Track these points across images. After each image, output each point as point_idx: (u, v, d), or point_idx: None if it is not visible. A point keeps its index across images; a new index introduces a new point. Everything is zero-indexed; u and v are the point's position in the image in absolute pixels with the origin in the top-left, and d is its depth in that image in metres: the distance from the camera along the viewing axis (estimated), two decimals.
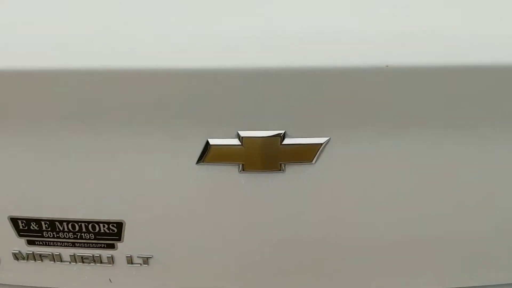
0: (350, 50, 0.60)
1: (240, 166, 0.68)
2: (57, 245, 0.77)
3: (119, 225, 0.74)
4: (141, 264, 0.77)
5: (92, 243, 0.76)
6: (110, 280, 0.80)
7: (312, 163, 0.68)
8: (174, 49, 0.61)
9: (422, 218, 0.72)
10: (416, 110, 0.65)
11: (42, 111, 0.65)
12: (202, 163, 0.68)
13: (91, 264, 0.78)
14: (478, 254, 0.76)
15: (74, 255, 0.77)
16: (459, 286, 0.80)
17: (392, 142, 0.67)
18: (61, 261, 0.78)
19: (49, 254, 0.77)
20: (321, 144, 0.67)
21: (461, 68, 0.60)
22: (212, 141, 0.67)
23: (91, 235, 0.75)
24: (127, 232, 0.74)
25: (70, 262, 0.78)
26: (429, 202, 0.71)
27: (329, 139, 0.67)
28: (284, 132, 0.66)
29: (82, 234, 0.75)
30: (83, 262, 0.78)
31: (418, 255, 0.76)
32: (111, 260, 0.77)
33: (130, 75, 0.61)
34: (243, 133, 0.66)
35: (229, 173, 0.69)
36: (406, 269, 0.78)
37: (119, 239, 0.75)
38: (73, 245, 0.76)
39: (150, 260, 0.77)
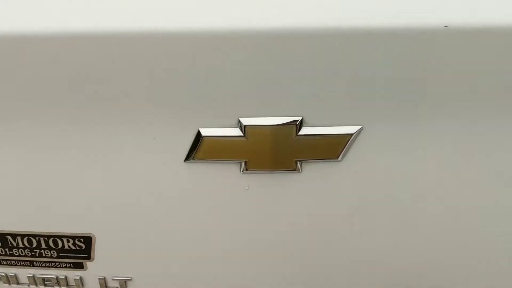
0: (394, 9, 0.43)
1: (243, 164, 0.52)
2: (11, 265, 0.60)
3: (87, 240, 0.57)
4: None
5: (55, 262, 0.60)
6: None
7: (338, 160, 0.51)
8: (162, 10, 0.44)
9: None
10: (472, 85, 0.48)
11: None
12: (192, 160, 0.51)
13: (56, 285, 0.62)
14: None
15: (33, 277, 0.61)
16: None
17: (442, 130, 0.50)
18: (18, 283, 0.62)
19: (1, 275, 0.61)
20: (351, 134, 0.50)
21: None
22: (204, 132, 0.50)
23: (53, 252, 0.59)
24: (98, 249, 0.58)
25: (29, 285, 0.62)
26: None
27: (361, 128, 0.50)
28: (301, 119, 0.49)
29: (42, 251, 0.59)
30: (45, 285, 0.62)
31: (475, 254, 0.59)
32: (80, 283, 0.61)
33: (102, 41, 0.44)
34: (245, 121, 0.49)
35: (227, 174, 0.53)
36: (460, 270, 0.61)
37: (88, 257, 0.59)
38: (31, 264, 0.60)
39: (128, 284, 0.61)
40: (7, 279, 0.61)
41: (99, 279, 0.60)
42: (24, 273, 0.61)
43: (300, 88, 0.47)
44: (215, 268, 0.59)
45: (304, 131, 0.50)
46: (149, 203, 0.55)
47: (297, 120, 0.49)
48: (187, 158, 0.51)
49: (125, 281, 0.60)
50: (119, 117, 0.49)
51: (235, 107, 0.49)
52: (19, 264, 0.60)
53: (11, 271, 0.61)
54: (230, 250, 0.58)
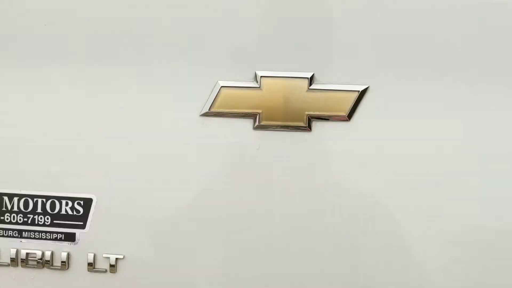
0: None
1: (257, 118, 0.54)
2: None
3: (87, 202, 0.55)
4: (105, 271, 0.55)
5: (46, 232, 0.56)
6: None
7: (347, 120, 0.54)
8: None
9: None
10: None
11: None
12: (208, 112, 0.54)
13: (39, 267, 0.56)
14: None
15: (16, 252, 0.56)
16: None
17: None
18: None
19: None
20: (358, 91, 0.54)
21: None
22: (222, 83, 0.54)
23: (47, 219, 0.55)
24: (94, 217, 0.55)
25: (8, 265, 0.56)
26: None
27: (368, 87, 0.54)
28: (313, 75, 0.54)
29: (35, 216, 0.55)
30: (27, 263, 0.56)
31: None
32: (66, 262, 0.56)
33: None
34: (261, 73, 0.54)
35: (240, 131, 0.54)
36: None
37: (83, 226, 0.55)
38: (19, 234, 0.56)
39: (119, 263, 0.55)
40: None
41: (88, 255, 0.55)
42: (7, 247, 0.56)
43: (313, 47, 0.54)
44: (219, 225, 0.55)
45: (315, 86, 0.54)
46: (159, 161, 0.55)
47: (309, 76, 0.54)
48: (204, 109, 0.54)
49: (116, 259, 0.55)
50: (135, 69, 0.54)
51: (253, 62, 0.54)
52: (6, 234, 0.56)
53: None
54: (236, 209, 0.54)
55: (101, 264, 0.55)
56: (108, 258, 0.55)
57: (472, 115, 0.53)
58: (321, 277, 0.54)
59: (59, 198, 0.55)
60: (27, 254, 0.56)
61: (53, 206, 0.55)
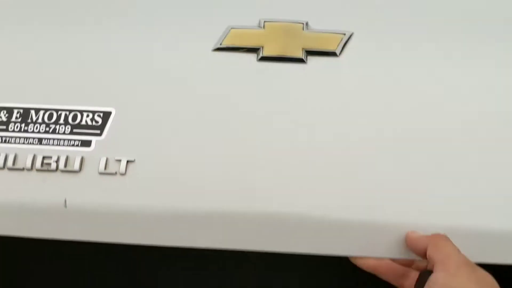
0: None
1: (260, 51, 0.64)
2: (19, 142, 0.60)
3: (106, 115, 0.61)
4: (115, 173, 0.59)
5: (64, 140, 0.60)
6: (65, 201, 0.58)
7: (337, 56, 0.64)
8: None
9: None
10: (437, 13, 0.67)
11: None
12: (220, 46, 0.64)
13: (52, 171, 0.59)
14: None
15: (33, 158, 0.59)
16: None
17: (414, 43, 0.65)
18: (13, 167, 0.59)
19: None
20: (344, 34, 0.65)
21: None
22: (233, 25, 0.65)
23: (67, 128, 0.61)
24: (111, 126, 0.61)
25: (23, 169, 0.59)
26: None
27: (352, 33, 0.65)
28: (307, 22, 0.66)
29: (57, 126, 0.61)
30: (41, 167, 0.59)
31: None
32: (80, 164, 0.59)
33: None
34: (265, 18, 0.66)
35: (246, 62, 0.64)
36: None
37: (100, 134, 0.60)
38: (39, 141, 0.60)
39: (129, 166, 0.59)
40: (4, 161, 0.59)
41: (100, 159, 0.59)
42: (26, 153, 0.60)
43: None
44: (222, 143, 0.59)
45: (309, 29, 0.65)
46: (173, 85, 0.62)
47: (304, 22, 0.66)
48: (216, 45, 0.64)
49: (127, 162, 0.59)
50: (155, 13, 0.66)
51: (258, 10, 0.66)
52: (27, 142, 0.60)
53: (13, 150, 0.60)
54: (241, 135, 0.60)
55: (113, 168, 0.59)
56: (120, 161, 0.59)
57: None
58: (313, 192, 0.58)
59: (81, 111, 0.61)
60: (43, 158, 0.59)
61: (74, 117, 0.61)
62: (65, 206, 0.57)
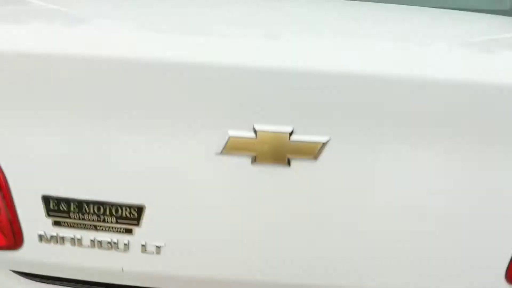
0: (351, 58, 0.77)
1: (254, 157, 0.80)
2: (80, 227, 0.84)
3: (140, 209, 0.83)
4: (153, 253, 0.85)
5: (112, 227, 0.84)
6: (122, 269, 0.86)
7: (315, 160, 0.80)
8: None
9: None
10: (405, 119, 0.79)
11: (80, 107, 0.79)
12: (223, 152, 0.80)
13: (108, 250, 0.85)
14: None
15: (94, 240, 0.85)
16: None
17: (386, 145, 0.80)
18: (81, 245, 0.85)
19: (71, 237, 0.85)
20: (322, 143, 0.79)
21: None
22: (231, 133, 0.80)
23: (113, 219, 0.84)
24: (145, 219, 0.83)
25: (89, 247, 0.85)
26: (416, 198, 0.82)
27: (330, 138, 0.80)
28: (292, 129, 0.79)
29: (105, 217, 0.84)
30: (100, 247, 0.85)
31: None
32: (127, 247, 0.85)
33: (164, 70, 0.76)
34: (258, 127, 0.79)
35: (241, 165, 0.81)
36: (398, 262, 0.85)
37: (137, 224, 0.84)
38: (95, 228, 0.84)
39: (162, 249, 0.85)
40: (74, 241, 0.85)
41: (140, 244, 0.84)
42: (87, 236, 0.84)
43: (293, 111, 0.79)
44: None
45: (294, 137, 0.79)
46: (186, 185, 0.82)
47: (289, 130, 0.79)
48: (219, 151, 0.80)
49: (159, 247, 0.84)
50: (179, 128, 0.79)
51: (252, 119, 0.79)
52: (87, 227, 0.84)
53: (78, 234, 0.85)
54: (242, 224, 0.83)
55: (150, 248, 0.84)
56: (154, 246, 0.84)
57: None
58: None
59: (120, 205, 0.83)
60: (101, 241, 0.84)
61: (116, 210, 0.83)
62: (122, 270, 0.86)
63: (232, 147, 0.80)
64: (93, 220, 0.84)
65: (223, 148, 0.80)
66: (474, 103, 0.78)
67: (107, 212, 0.83)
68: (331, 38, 0.88)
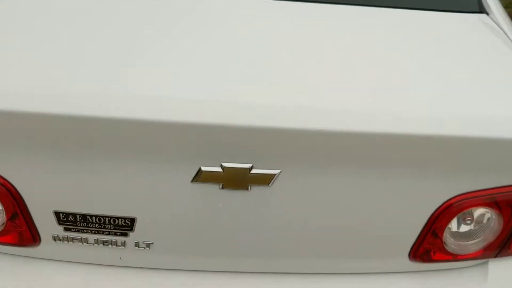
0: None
1: (221, 185, 1.02)
2: (86, 232, 1.08)
3: (132, 220, 1.06)
4: (144, 248, 1.10)
5: (111, 232, 1.08)
6: (120, 258, 1.12)
7: (269, 187, 1.03)
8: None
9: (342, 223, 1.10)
10: (337, 159, 1.01)
11: (87, 148, 0.97)
12: (195, 182, 1.02)
13: (109, 246, 1.10)
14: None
15: (97, 240, 1.09)
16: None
17: (320, 178, 1.03)
18: (87, 243, 1.10)
19: (79, 238, 1.09)
20: (274, 174, 1.02)
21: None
22: (203, 168, 1.01)
23: (111, 226, 1.07)
24: (137, 225, 1.07)
25: (93, 244, 1.10)
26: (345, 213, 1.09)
27: (281, 171, 1.02)
28: (252, 165, 1.01)
29: (106, 225, 1.07)
30: (103, 244, 1.10)
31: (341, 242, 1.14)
32: (123, 244, 1.10)
33: (153, 127, 0.94)
34: (225, 164, 1.00)
35: (212, 191, 1.03)
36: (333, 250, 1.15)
37: (131, 230, 1.08)
38: (98, 232, 1.08)
39: (151, 246, 1.10)
40: (81, 240, 1.09)
41: (134, 242, 1.09)
42: (92, 237, 1.09)
43: (252, 154, 0.99)
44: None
45: (253, 171, 1.01)
46: (169, 204, 1.04)
47: (249, 166, 1.01)
48: (192, 180, 1.02)
49: (149, 244, 1.10)
50: (163, 164, 0.99)
51: (219, 158, 1.00)
52: (91, 232, 1.08)
53: (85, 236, 1.08)
54: (212, 231, 1.08)
55: (142, 245, 1.10)
56: (145, 243, 1.09)
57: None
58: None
59: (117, 217, 1.06)
60: (103, 240, 1.09)
61: (114, 221, 1.06)
62: (121, 259, 1.12)
63: (204, 178, 1.02)
64: (96, 228, 1.08)
65: (195, 178, 1.02)
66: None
67: (107, 222, 1.07)
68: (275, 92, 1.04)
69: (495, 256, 1.22)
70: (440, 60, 1.20)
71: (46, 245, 1.11)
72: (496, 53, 1.27)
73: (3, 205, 1.05)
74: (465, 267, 1.24)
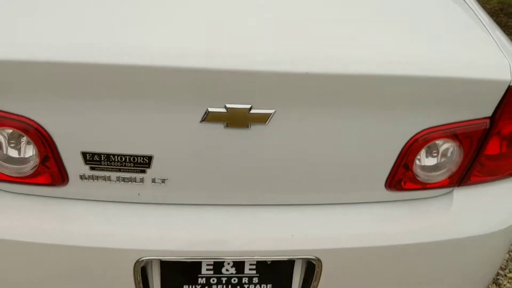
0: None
1: (225, 124, 1.21)
2: (109, 170, 1.25)
3: (149, 158, 1.24)
4: (160, 183, 1.28)
5: (132, 169, 1.26)
6: (139, 194, 1.30)
7: (265, 125, 1.22)
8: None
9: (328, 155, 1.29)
10: (321, 100, 1.20)
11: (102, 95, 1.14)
12: (204, 121, 1.20)
13: (129, 183, 1.28)
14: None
15: (119, 177, 1.27)
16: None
17: (308, 117, 1.22)
18: (110, 181, 1.27)
19: (103, 176, 1.26)
20: (271, 113, 1.21)
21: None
22: (210, 109, 1.19)
23: (131, 164, 1.25)
24: (154, 163, 1.25)
25: (116, 182, 1.27)
26: (331, 147, 1.28)
27: (275, 111, 1.20)
28: (251, 106, 1.19)
29: (126, 163, 1.24)
30: (124, 181, 1.27)
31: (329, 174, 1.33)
32: (142, 180, 1.27)
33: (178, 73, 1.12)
34: (228, 106, 1.19)
35: (217, 130, 1.22)
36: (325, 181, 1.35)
37: (149, 166, 1.25)
38: (119, 170, 1.26)
39: (166, 181, 1.28)
40: (105, 178, 1.26)
41: (151, 178, 1.27)
42: (114, 175, 1.26)
43: (251, 96, 1.18)
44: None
45: (252, 111, 1.20)
46: (182, 141, 1.22)
47: (249, 107, 1.19)
48: (201, 120, 1.20)
49: (164, 180, 1.27)
50: (178, 106, 1.17)
51: (224, 100, 1.18)
52: (113, 169, 1.25)
53: (108, 174, 1.26)
54: (219, 164, 1.26)
55: (158, 181, 1.28)
56: (160, 179, 1.27)
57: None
58: None
59: (136, 156, 1.23)
60: (123, 177, 1.26)
61: (134, 159, 1.24)
62: (139, 195, 1.30)
63: (211, 118, 1.20)
64: (118, 166, 1.25)
65: (204, 118, 1.20)
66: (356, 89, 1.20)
67: (128, 160, 1.24)
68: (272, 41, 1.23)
69: (459, 185, 1.44)
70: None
71: (73, 185, 1.28)
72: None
73: (38, 149, 1.22)
74: (434, 196, 1.45)
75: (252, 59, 1.15)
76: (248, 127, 1.22)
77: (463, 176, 1.42)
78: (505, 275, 2.49)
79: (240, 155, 1.27)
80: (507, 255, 2.62)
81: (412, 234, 1.39)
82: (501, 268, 2.54)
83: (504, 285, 2.44)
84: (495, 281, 2.45)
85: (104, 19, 1.20)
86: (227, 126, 1.22)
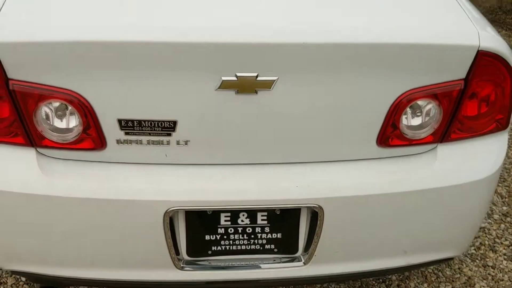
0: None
1: (236, 90, 1.44)
2: (141, 134, 1.49)
3: (174, 122, 1.48)
4: (183, 145, 1.51)
5: (158, 133, 1.49)
6: (166, 155, 1.53)
7: (270, 90, 1.45)
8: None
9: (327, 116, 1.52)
10: (319, 67, 1.43)
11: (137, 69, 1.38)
12: (219, 89, 1.43)
13: (157, 145, 1.51)
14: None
15: (149, 140, 1.50)
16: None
17: (306, 82, 1.45)
18: (141, 144, 1.51)
19: (135, 140, 1.50)
20: (274, 80, 1.44)
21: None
22: (224, 78, 1.42)
23: (159, 128, 1.48)
24: (178, 127, 1.48)
25: (146, 144, 1.51)
26: (330, 109, 1.50)
27: (278, 78, 1.43)
28: (257, 74, 1.43)
29: (155, 127, 1.48)
30: (153, 144, 1.51)
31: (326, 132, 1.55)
32: (168, 142, 1.51)
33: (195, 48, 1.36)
34: (239, 74, 1.42)
35: (229, 95, 1.45)
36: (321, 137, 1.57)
37: (174, 130, 1.49)
38: (149, 134, 1.49)
39: (188, 143, 1.51)
40: (137, 142, 1.50)
41: (176, 140, 1.50)
42: (145, 139, 1.50)
43: (256, 65, 1.41)
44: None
45: (258, 78, 1.43)
46: (200, 107, 1.45)
47: (255, 75, 1.42)
48: (217, 88, 1.43)
49: (186, 142, 1.51)
50: (197, 76, 1.41)
51: (234, 70, 1.41)
52: (144, 134, 1.49)
53: (140, 138, 1.49)
54: (231, 126, 1.49)
55: (182, 143, 1.51)
56: (184, 141, 1.50)
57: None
58: None
59: (163, 121, 1.47)
60: (152, 140, 1.50)
61: (161, 123, 1.47)
62: (166, 156, 1.53)
63: (224, 86, 1.43)
64: (148, 130, 1.49)
65: (219, 86, 1.43)
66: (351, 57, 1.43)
67: (156, 125, 1.48)
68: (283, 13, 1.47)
69: (441, 142, 1.65)
70: None
71: (111, 149, 1.51)
72: None
73: (81, 117, 1.46)
74: (420, 152, 1.66)
75: (257, 33, 1.39)
76: (255, 92, 1.45)
77: (444, 133, 1.64)
78: (501, 243, 2.68)
79: (250, 118, 1.50)
80: (503, 225, 2.81)
81: (402, 184, 1.61)
82: (497, 237, 2.73)
83: (500, 251, 2.63)
84: (492, 248, 2.64)
85: (135, 3, 1.45)
86: (238, 93, 1.45)
